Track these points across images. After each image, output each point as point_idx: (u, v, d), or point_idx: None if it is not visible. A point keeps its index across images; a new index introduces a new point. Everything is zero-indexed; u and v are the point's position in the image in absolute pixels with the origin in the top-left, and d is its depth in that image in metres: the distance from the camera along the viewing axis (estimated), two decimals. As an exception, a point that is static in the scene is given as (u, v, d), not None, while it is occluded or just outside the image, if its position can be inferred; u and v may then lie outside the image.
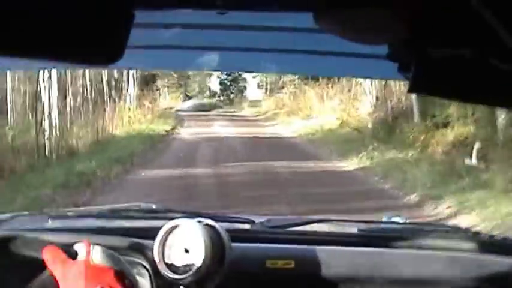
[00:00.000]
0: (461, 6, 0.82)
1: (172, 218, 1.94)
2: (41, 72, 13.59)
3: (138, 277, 1.86)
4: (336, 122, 22.85)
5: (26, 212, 2.46)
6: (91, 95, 19.95)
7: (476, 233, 2.21)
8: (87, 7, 0.88)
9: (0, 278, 1.90)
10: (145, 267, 1.88)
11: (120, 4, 0.93)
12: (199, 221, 1.88)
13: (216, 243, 1.84)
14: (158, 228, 1.87)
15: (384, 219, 2.42)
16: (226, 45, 1.87)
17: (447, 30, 0.87)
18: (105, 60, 0.96)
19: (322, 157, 16.28)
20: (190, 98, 47.98)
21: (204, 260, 1.79)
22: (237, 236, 1.99)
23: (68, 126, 16.63)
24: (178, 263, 1.83)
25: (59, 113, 15.69)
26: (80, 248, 1.62)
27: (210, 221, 1.91)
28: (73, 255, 1.62)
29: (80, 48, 0.92)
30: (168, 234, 1.86)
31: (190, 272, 1.80)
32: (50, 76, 15.13)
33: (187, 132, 23.95)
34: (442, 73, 0.93)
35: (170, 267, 1.83)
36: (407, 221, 2.45)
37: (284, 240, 2.15)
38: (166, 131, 23.65)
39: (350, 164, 14.63)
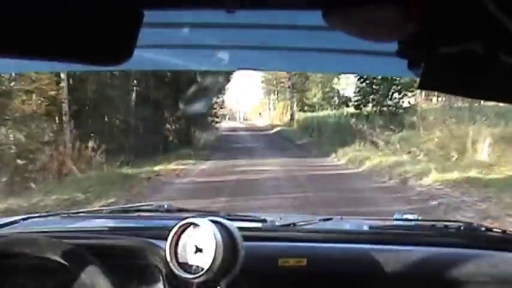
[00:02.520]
0: (471, 2, 0.82)
1: (184, 218, 1.94)
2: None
3: (150, 277, 1.87)
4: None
5: (38, 214, 2.48)
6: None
7: (489, 229, 2.20)
8: (96, 7, 0.89)
9: (14, 280, 1.91)
10: (157, 267, 1.89)
11: (130, 4, 0.93)
12: (211, 220, 1.88)
13: (228, 242, 1.84)
14: (170, 228, 1.87)
15: (395, 216, 2.42)
16: (236, 43, 1.87)
17: (457, 26, 0.87)
18: (114, 60, 0.97)
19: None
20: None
21: (216, 259, 1.80)
22: (249, 234, 1.99)
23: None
24: (191, 262, 1.83)
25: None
26: None
27: (222, 220, 1.91)
28: None
29: (89, 49, 0.92)
30: (180, 234, 1.86)
31: (203, 272, 1.80)
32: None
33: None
34: (452, 69, 0.93)
35: (182, 266, 1.83)
36: (419, 218, 2.44)
37: (296, 239, 2.15)
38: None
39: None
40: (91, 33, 0.89)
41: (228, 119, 72.48)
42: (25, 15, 0.83)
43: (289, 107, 48.39)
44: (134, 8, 0.93)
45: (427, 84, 0.99)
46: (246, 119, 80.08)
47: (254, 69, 2.53)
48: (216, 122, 38.53)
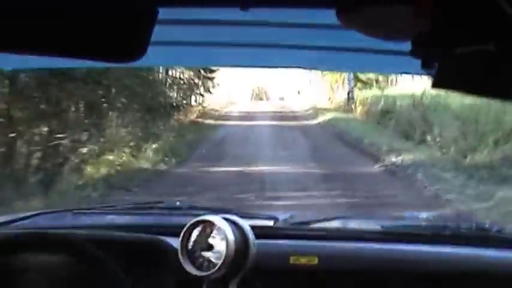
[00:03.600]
0: (485, 1, 0.81)
1: (196, 215, 1.94)
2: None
3: (161, 274, 1.87)
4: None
5: (50, 210, 2.49)
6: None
7: (501, 230, 2.19)
8: (111, 4, 0.89)
9: (26, 276, 1.92)
10: (169, 265, 1.89)
11: (145, 1, 0.94)
12: (223, 218, 1.89)
13: (239, 240, 1.84)
14: (182, 225, 1.88)
15: (406, 215, 2.41)
16: (249, 41, 1.87)
17: (470, 26, 0.86)
18: (129, 56, 0.97)
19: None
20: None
21: (228, 257, 1.80)
22: (260, 232, 1.99)
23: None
24: (202, 259, 1.84)
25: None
26: None
27: (234, 218, 1.92)
28: None
29: (104, 45, 0.92)
30: (192, 231, 1.87)
31: (215, 269, 1.80)
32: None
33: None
34: (466, 68, 0.93)
35: (194, 263, 1.83)
36: (431, 217, 2.43)
37: (307, 237, 2.15)
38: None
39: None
40: (106, 31, 0.90)
41: (256, 98, 61.94)
42: (41, 12, 0.84)
43: (344, 81, 31.52)
44: (149, 6, 0.94)
45: (441, 84, 0.99)
46: (282, 99, 57.95)
47: (267, 67, 2.51)
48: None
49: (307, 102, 38.98)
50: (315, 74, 38.31)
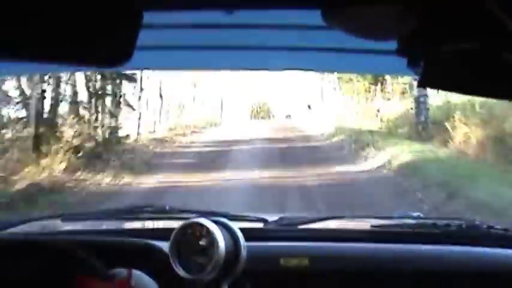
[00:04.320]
0: (470, 1, 0.82)
1: (185, 218, 1.94)
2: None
3: (152, 278, 1.87)
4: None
5: (38, 216, 2.47)
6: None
7: (491, 227, 2.20)
8: (95, 9, 0.89)
9: (14, 281, 1.91)
10: (159, 268, 1.89)
11: (129, 5, 0.93)
12: (213, 221, 1.88)
13: (230, 243, 1.84)
14: (172, 229, 1.87)
15: (397, 215, 2.42)
16: (236, 44, 1.87)
17: (456, 25, 0.87)
18: (114, 61, 0.97)
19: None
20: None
21: (218, 260, 1.80)
22: (250, 234, 1.99)
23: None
24: (193, 263, 1.83)
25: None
26: (121, 271, 1.68)
27: (224, 220, 1.91)
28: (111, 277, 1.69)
29: (89, 50, 0.92)
30: (182, 235, 1.87)
31: (205, 272, 1.80)
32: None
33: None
34: (452, 67, 0.93)
35: (184, 267, 1.83)
36: (421, 216, 2.44)
37: (297, 238, 2.15)
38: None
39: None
40: (90, 35, 0.89)
41: (255, 117, 48.16)
42: (24, 17, 0.84)
43: (373, 92, 23.47)
44: (134, 10, 0.93)
45: (428, 82, 1.00)
46: (289, 117, 43.76)
47: (254, 69, 2.50)
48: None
49: (325, 120, 25.38)
50: (329, 82, 28.36)
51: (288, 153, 16.64)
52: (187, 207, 2.51)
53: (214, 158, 15.94)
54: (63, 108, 16.47)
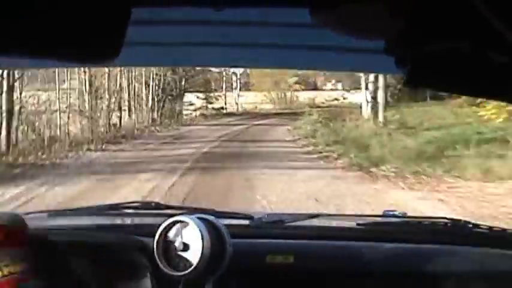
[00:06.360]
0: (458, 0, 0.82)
1: (171, 215, 1.94)
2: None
3: (137, 274, 1.87)
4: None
5: (25, 212, 2.46)
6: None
7: (476, 226, 2.21)
8: (84, 5, 0.88)
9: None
10: (145, 264, 1.89)
11: (118, 1, 0.93)
12: (198, 218, 1.88)
13: (215, 239, 1.84)
14: (157, 225, 1.87)
15: (382, 214, 2.42)
16: (224, 41, 1.87)
17: (443, 24, 0.87)
18: (103, 58, 0.96)
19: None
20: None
21: (203, 256, 1.80)
22: (236, 231, 1.99)
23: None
24: (178, 259, 1.83)
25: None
26: None
27: (209, 217, 1.91)
28: None
29: (77, 47, 0.92)
30: (168, 231, 1.87)
31: (191, 269, 1.80)
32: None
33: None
34: (439, 66, 0.93)
35: (170, 263, 1.83)
36: (406, 215, 2.45)
37: (283, 236, 2.16)
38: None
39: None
40: (79, 32, 0.89)
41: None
42: (13, 14, 0.83)
43: None
44: (122, 6, 0.93)
45: (414, 81, 1.00)
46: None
47: (242, 67, 2.51)
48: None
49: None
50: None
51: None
52: (174, 203, 2.51)
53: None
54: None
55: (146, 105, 27.13)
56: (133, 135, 21.46)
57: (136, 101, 26.60)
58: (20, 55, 0.94)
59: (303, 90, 41.19)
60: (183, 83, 31.13)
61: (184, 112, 31.61)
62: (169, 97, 29.88)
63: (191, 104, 33.07)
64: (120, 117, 24.19)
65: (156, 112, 27.60)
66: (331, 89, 42.50)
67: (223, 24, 1.60)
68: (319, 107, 34.97)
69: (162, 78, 28.48)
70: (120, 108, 24.54)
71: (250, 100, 39.54)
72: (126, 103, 25.75)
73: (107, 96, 22.83)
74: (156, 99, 27.70)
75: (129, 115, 25.58)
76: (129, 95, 26.00)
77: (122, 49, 0.95)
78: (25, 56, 0.94)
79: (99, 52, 0.94)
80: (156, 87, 28.00)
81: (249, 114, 34.10)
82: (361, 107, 24.11)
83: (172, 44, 1.91)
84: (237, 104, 38.31)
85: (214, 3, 1.18)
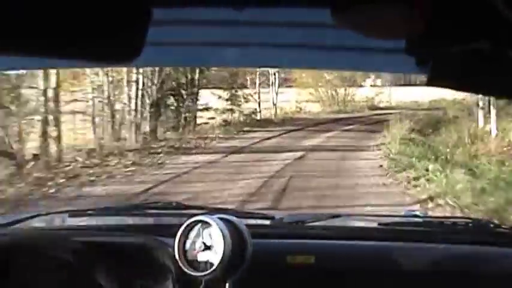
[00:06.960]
0: (479, 0, 0.82)
1: (192, 215, 1.94)
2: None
3: (158, 274, 1.87)
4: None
5: (46, 212, 2.48)
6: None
7: (497, 226, 2.19)
8: (104, 5, 0.89)
9: (22, 276, 1.91)
10: (166, 265, 1.89)
11: (139, 2, 0.93)
12: (219, 218, 1.88)
13: (236, 240, 1.84)
14: (178, 225, 1.87)
15: (404, 214, 2.41)
16: (244, 41, 1.87)
17: (464, 24, 0.86)
18: (123, 58, 0.97)
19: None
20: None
21: (224, 256, 1.80)
22: (257, 232, 1.99)
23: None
24: (199, 259, 1.83)
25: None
26: None
27: (230, 217, 1.91)
28: None
29: (98, 47, 0.92)
30: (189, 231, 1.87)
31: (211, 269, 1.80)
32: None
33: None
34: (460, 66, 0.93)
35: (191, 264, 1.83)
36: (428, 215, 2.43)
37: (304, 236, 2.15)
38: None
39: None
40: (100, 32, 0.90)
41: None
42: (35, 14, 0.84)
43: None
44: (143, 6, 0.93)
45: (435, 81, 0.99)
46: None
47: (262, 67, 2.53)
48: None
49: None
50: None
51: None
52: (195, 203, 2.51)
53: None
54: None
55: (127, 114, 17.32)
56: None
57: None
58: (39, 55, 0.95)
59: (349, 86, 30.87)
60: (196, 76, 20.59)
61: (197, 121, 21.32)
62: (173, 97, 20.61)
63: (207, 109, 22.26)
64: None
65: (146, 124, 17.51)
66: (372, 85, 34.47)
67: (243, 24, 1.60)
68: (380, 108, 28.64)
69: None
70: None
71: (290, 98, 29.33)
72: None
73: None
74: (147, 102, 17.92)
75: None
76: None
77: (143, 49, 0.95)
78: (43, 55, 0.95)
79: (119, 52, 0.94)
80: (149, 83, 17.98)
81: (294, 122, 24.05)
82: (469, 114, 18.02)
83: (192, 43, 1.91)
84: (274, 105, 27.22)
85: (234, 3, 1.19)
